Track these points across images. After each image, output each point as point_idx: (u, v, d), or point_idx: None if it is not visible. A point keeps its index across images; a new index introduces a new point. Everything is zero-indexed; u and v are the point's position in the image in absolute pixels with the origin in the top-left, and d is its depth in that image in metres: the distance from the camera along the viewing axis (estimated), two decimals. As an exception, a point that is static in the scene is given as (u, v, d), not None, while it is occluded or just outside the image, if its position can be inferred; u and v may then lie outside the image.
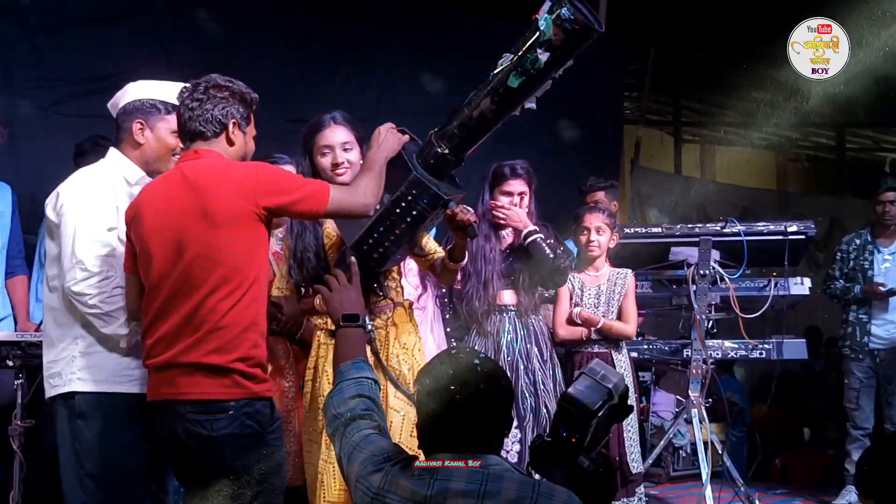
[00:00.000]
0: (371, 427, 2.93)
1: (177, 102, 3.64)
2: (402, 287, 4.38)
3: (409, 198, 3.80)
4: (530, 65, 3.55)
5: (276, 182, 3.43)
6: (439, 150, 3.79)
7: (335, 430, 2.97)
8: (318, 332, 4.26)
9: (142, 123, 3.89)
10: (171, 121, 3.81)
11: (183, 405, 3.33)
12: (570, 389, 2.79)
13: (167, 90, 3.89)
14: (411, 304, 4.42)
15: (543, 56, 3.53)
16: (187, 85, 3.56)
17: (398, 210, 3.82)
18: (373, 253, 3.92)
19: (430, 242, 4.42)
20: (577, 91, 8.65)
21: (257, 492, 3.37)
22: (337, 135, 4.14)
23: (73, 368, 3.70)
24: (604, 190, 6.79)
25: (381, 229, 3.86)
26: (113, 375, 3.75)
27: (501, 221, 5.17)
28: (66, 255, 3.71)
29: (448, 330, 5.27)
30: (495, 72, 3.63)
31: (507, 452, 4.97)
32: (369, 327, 4.08)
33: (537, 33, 3.52)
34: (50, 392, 3.82)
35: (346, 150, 4.13)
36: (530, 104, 3.72)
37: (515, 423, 4.99)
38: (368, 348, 4.08)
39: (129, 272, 3.59)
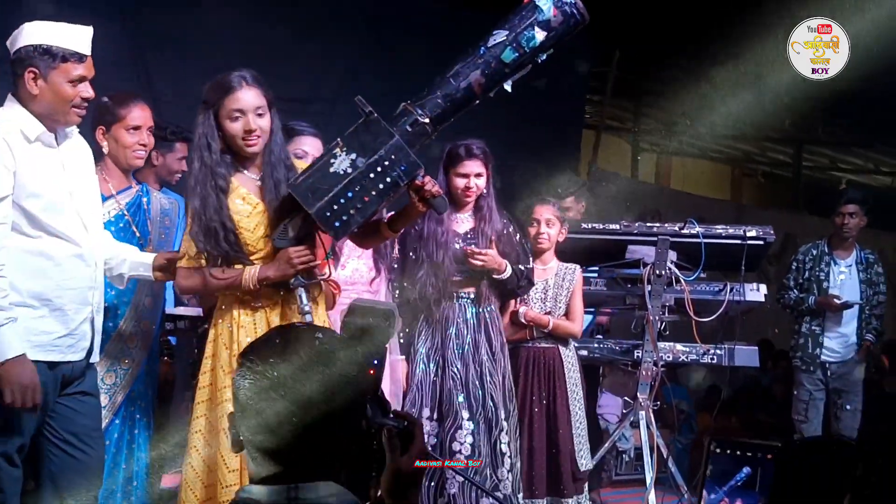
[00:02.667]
0: None
1: (75, 48, 3.50)
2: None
3: (387, 163, 3.68)
4: (525, 42, 3.71)
5: None
6: (419, 118, 3.71)
7: None
8: (234, 303, 3.94)
9: (34, 72, 3.58)
10: (68, 69, 3.56)
11: None
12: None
13: (65, 34, 3.60)
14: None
15: (540, 35, 3.70)
16: None
17: (372, 175, 3.69)
18: (335, 221, 3.74)
19: None
20: (540, 90, 8.55)
21: None
22: (249, 98, 3.88)
23: None
24: (573, 195, 6.71)
25: (349, 195, 3.70)
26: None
27: (479, 267, 4.98)
28: None
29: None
30: (488, 46, 3.70)
31: (461, 445, 4.83)
32: (307, 308, 3.87)
33: (535, 12, 3.70)
34: None
35: (258, 115, 3.89)
36: (507, 85, 3.82)
37: (467, 414, 4.86)
38: None
39: None
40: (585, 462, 5.49)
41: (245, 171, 3.98)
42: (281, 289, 3.92)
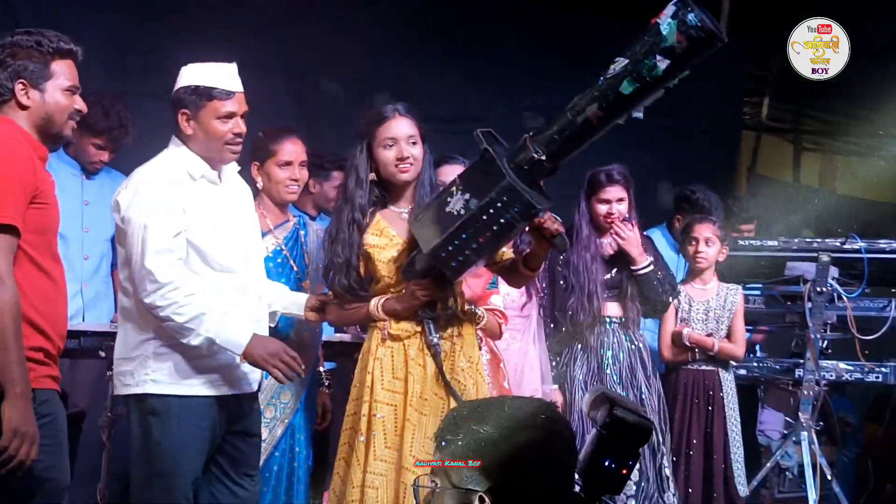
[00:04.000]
0: None
1: (221, 85, 3.61)
2: (464, 295, 4.19)
3: (499, 205, 3.59)
4: (647, 72, 3.38)
5: None
6: (535, 155, 3.58)
7: None
8: (376, 332, 4.04)
9: (187, 113, 3.71)
10: (216, 106, 3.67)
11: None
12: (617, 412, 2.28)
13: (209, 72, 3.71)
14: (476, 315, 4.25)
15: (662, 63, 3.36)
16: None
17: (485, 217, 3.61)
18: (451, 261, 3.72)
19: None
20: (695, 97, 8.40)
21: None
22: (402, 127, 4.00)
23: (147, 370, 3.61)
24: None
25: (464, 237, 3.65)
26: (186, 378, 3.67)
27: (620, 242, 5.02)
28: (136, 264, 3.60)
29: (548, 343, 5.10)
30: (606, 76, 3.46)
31: None
32: (435, 340, 3.91)
33: (657, 38, 3.34)
34: (121, 390, 3.76)
35: (412, 143, 3.99)
36: (637, 113, 3.54)
37: None
38: (432, 361, 3.92)
39: None
40: (742, 487, 5.42)
41: (392, 206, 4.09)
42: (417, 320, 3.98)
